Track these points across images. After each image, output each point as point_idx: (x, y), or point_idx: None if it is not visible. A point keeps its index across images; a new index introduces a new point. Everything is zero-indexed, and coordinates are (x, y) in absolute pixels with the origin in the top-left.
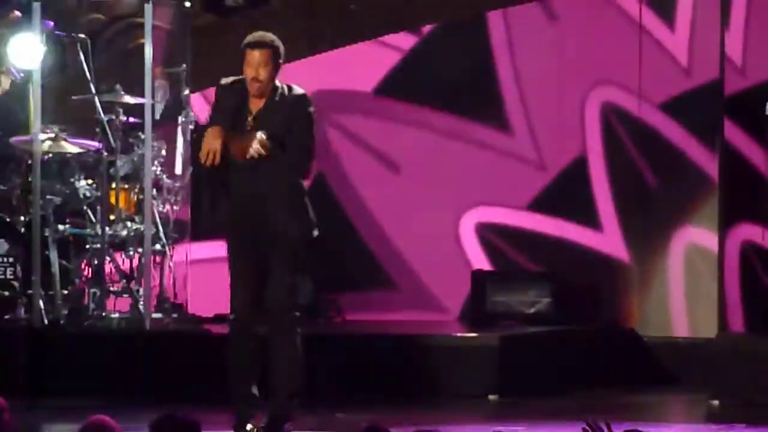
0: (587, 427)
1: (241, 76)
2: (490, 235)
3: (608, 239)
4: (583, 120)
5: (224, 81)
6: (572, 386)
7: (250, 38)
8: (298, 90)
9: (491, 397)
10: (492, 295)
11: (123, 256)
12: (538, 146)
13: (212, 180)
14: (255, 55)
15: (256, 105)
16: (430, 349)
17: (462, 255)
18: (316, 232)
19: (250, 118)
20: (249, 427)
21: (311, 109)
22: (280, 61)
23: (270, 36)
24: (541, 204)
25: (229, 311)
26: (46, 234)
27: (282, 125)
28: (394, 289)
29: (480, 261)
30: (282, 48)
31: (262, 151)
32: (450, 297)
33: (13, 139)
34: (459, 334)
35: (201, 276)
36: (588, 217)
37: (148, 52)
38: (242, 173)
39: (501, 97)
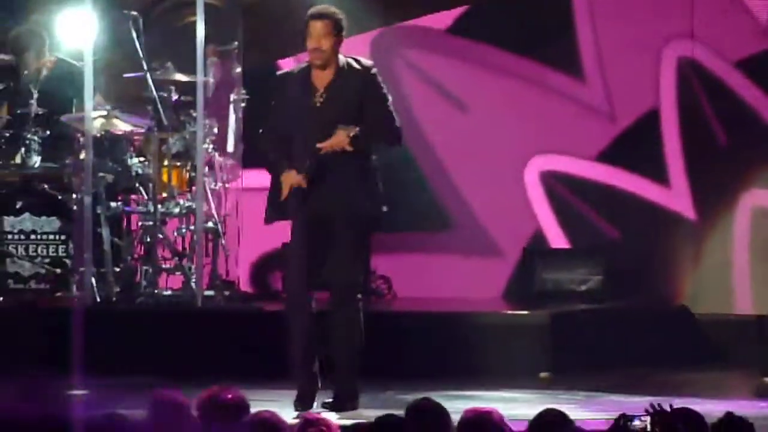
0: (651, 408)
1: (296, 66)
2: (554, 182)
3: (675, 195)
4: (658, 73)
5: (281, 72)
6: (623, 363)
7: (312, 10)
8: (365, 62)
9: (542, 374)
10: (542, 273)
11: (175, 233)
12: (611, 97)
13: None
14: (317, 26)
15: (322, 80)
16: (481, 327)
17: (525, 201)
18: (384, 209)
19: (318, 95)
20: (312, 404)
21: (382, 84)
22: (343, 33)
23: (333, 8)
24: (610, 156)
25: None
26: (98, 211)
27: (353, 100)
28: (453, 230)
29: (543, 208)
30: (344, 21)
31: (348, 147)
32: (509, 242)
33: (65, 117)
34: (509, 312)
35: (253, 204)
36: (656, 172)
37: (200, 29)
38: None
39: (577, 44)
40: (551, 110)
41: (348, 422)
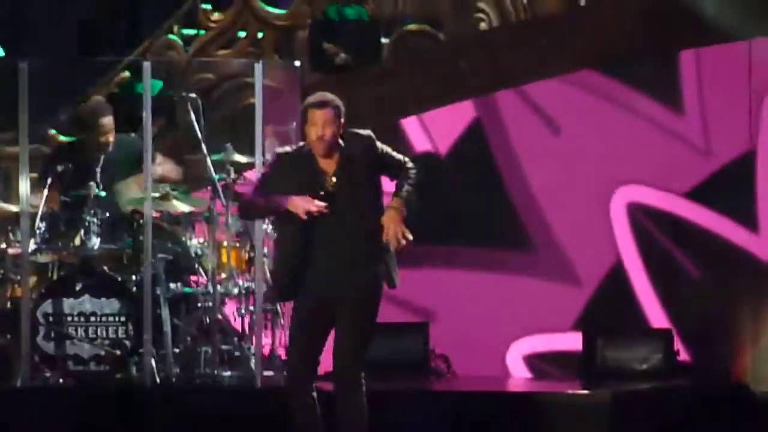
0: None
1: (298, 145)
2: (641, 215)
3: (764, 242)
4: (760, 112)
5: (281, 150)
6: None
7: (311, 98)
8: (361, 132)
9: None
10: (604, 351)
11: (234, 313)
12: (708, 132)
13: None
14: (318, 115)
15: (329, 165)
16: (542, 406)
17: (609, 230)
18: (393, 284)
19: (328, 178)
20: None
21: (379, 144)
22: (342, 120)
23: (331, 95)
24: (701, 193)
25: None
26: (158, 292)
27: (362, 176)
28: (532, 251)
29: (626, 239)
30: (342, 107)
31: (406, 239)
32: (588, 270)
33: (122, 201)
34: (571, 392)
35: None
36: (746, 216)
37: (259, 111)
38: (324, 233)
39: (679, 75)
40: (646, 140)
41: None
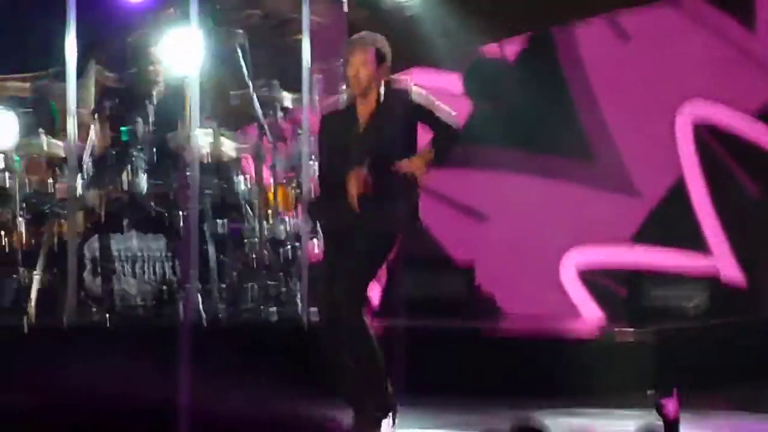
0: None
1: (343, 99)
2: (706, 132)
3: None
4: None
5: (326, 110)
6: (731, 381)
7: (353, 37)
8: (403, 86)
9: (650, 392)
10: (650, 290)
11: (281, 251)
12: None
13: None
14: (355, 54)
15: (365, 110)
16: (588, 346)
17: (673, 145)
18: (415, 224)
19: (360, 125)
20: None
21: (423, 97)
22: (385, 62)
23: (373, 36)
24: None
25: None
26: (204, 229)
27: (396, 128)
28: (593, 161)
29: (690, 156)
30: (386, 48)
31: (423, 171)
32: (649, 184)
33: (172, 136)
34: (616, 329)
35: None
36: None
37: (306, 47)
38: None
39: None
40: (716, 57)
41: None
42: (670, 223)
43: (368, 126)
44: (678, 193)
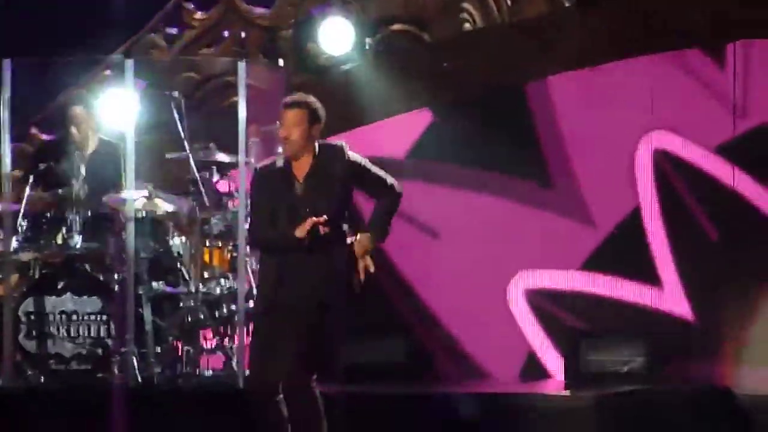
0: None
1: (278, 158)
2: (667, 164)
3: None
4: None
5: (260, 166)
6: None
7: (286, 98)
8: (337, 144)
9: None
10: (586, 354)
11: (217, 313)
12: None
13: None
14: (288, 115)
15: (301, 170)
16: (526, 408)
17: (632, 175)
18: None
19: (297, 183)
20: None
21: (358, 158)
22: (319, 123)
23: (307, 97)
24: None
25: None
26: (140, 292)
27: (333, 186)
28: (550, 185)
29: (647, 187)
30: (320, 110)
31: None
32: (605, 212)
33: (107, 198)
34: (553, 393)
35: None
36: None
37: (242, 110)
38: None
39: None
40: (681, 90)
41: None
42: (623, 253)
43: (306, 186)
44: (633, 223)
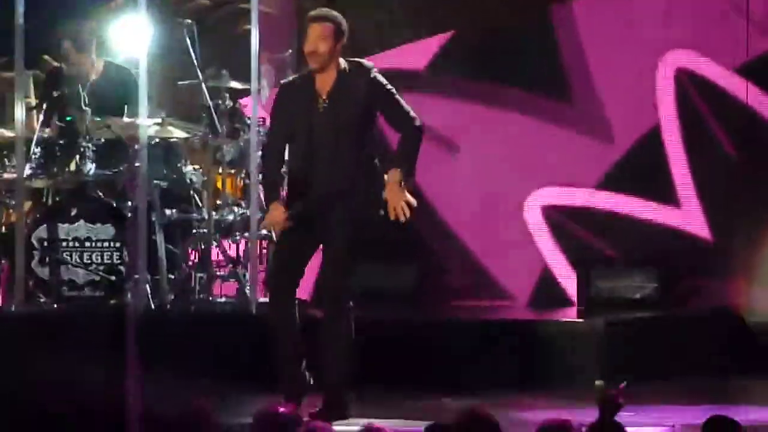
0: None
1: (299, 75)
2: (688, 83)
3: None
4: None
5: (283, 82)
6: (679, 372)
7: (311, 12)
8: (366, 64)
9: (597, 382)
10: (597, 281)
11: (229, 240)
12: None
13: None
14: (315, 29)
15: (324, 86)
16: (535, 335)
17: (652, 93)
18: (380, 212)
19: (321, 100)
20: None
21: (386, 83)
22: (343, 38)
23: (332, 12)
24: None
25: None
26: (153, 219)
27: (357, 105)
28: (569, 100)
29: (669, 105)
30: (344, 25)
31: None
32: (623, 129)
33: (119, 123)
34: (564, 320)
35: None
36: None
37: (254, 37)
38: (312, 153)
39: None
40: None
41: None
42: (641, 171)
43: (329, 102)
44: (653, 141)
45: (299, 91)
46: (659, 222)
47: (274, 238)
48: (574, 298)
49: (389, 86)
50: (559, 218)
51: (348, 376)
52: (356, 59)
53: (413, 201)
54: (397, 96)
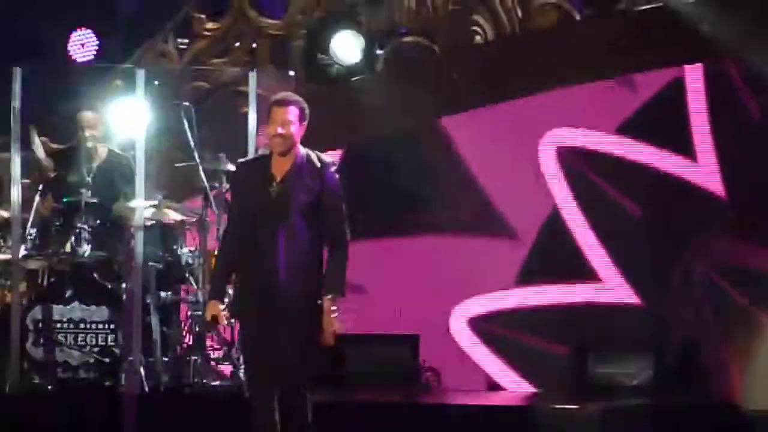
0: None
1: (259, 154)
2: (572, 158)
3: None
4: None
5: (241, 161)
6: None
7: (276, 96)
8: (325, 158)
9: None
10: (594, 368)
11: (225, 323)
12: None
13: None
14: (280, 112)
15: (280, 169)
16: (530, 422)
17: (540, 179)
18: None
19: (275, 183)
20: None
21: (339, 185)
22: (305, 122)
23: (296, 96)
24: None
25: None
26: (148, 301)
27: (308, 193)
28: (459, 208)
29: (560, 186)
30: (307, 109)
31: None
32: (524, 222)
33: (116, 206)
34: (560, 406)
35: None
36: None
37: (252, 119)
38: (261, 240)
39: None
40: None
41: None
42: (550, 257)
43: (282, 188)
44: (554, 224)
45: (253, 171)
46: (583, 301)
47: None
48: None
49: (339, 192)
50: (486, 326)
51: None
52: (317, 152)
53: (342, 329)
54: (342, 205)
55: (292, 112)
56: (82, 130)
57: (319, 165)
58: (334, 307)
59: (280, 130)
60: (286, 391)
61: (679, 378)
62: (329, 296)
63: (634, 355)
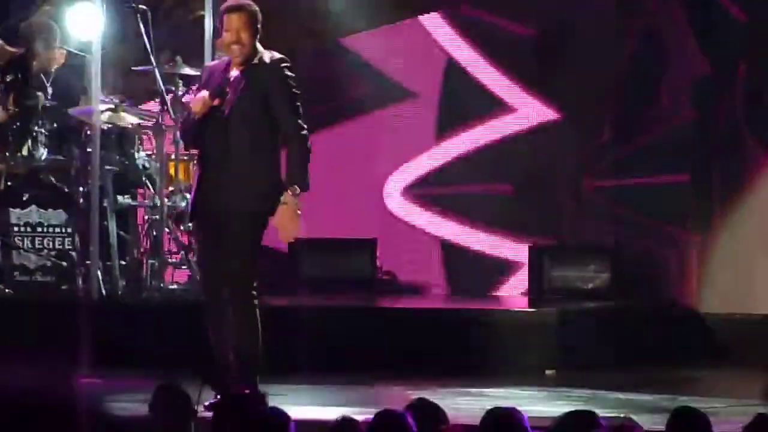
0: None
1: (220, 59)
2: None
3: None
4: None
5: (206, 65)
6: (630, 361)
7: (227, 3)
8: (275, 56)
9: (548, 371)
10: (550, 271)
11: (181, 227)
12: None
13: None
14: (233, 19)
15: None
16: (487, 324)
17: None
18: (274, 203)
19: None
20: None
21: (291, 80)
22: (258, 25)
23: (247, 0)
24: None
25: None
26: (105, 205)
27: (258, 97)
28: None
29: None
30: (259, 13)
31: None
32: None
33: (72, 110)
34: (517, 309)
35: None
36: None
37: (209, 23)
38: (212, 142)
39: None
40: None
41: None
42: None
43: (231, 90)
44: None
45: (216, 75)
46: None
47: None
48: None
49: (287, 87)
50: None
51: (253, 366)
52: (271, 52)
53: (301, 227)
54: (291, 97)
55: (244, 18)
56: (36, 38)
57: (267, 63)
58: (296, 204)
59: (235, 38)
60: (233, 291)
61: (635, 282)
62: (293, 195)
63: (591, 258)
